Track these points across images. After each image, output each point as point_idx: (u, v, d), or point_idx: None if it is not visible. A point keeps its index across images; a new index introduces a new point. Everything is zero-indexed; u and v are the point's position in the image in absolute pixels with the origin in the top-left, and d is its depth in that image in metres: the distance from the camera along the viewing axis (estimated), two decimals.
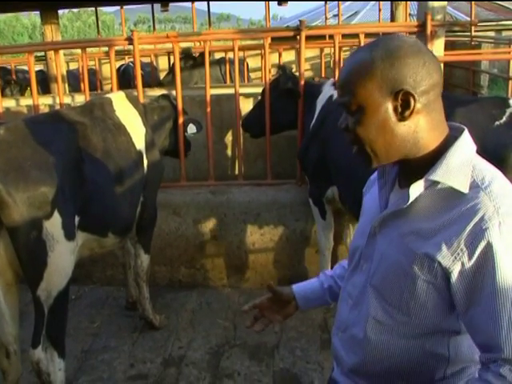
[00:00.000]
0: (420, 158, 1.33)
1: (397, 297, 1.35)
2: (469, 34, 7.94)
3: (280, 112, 4.44)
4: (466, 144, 1.33)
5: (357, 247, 1.52)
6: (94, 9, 9.80)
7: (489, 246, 1.19)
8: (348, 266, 1.58)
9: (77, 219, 2.87)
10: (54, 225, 2.65)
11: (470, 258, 1.22)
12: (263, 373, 3.37)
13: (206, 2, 9.06)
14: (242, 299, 4.26)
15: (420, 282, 1.30)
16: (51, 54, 6.42)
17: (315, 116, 3.99)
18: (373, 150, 1.33)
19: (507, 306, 1.19)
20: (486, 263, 1.20)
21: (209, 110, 4.55)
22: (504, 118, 2.96)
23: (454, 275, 1.24)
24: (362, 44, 4.41)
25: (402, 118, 1.29)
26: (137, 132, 3.54)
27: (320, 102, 4.03)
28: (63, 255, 2.73)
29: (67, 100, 5.35)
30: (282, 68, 4.65)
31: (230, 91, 4.82)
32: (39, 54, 7.85)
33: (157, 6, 8.74)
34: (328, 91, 4.01)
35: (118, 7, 9.62)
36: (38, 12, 7.43)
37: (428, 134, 1.32)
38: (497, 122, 2.95)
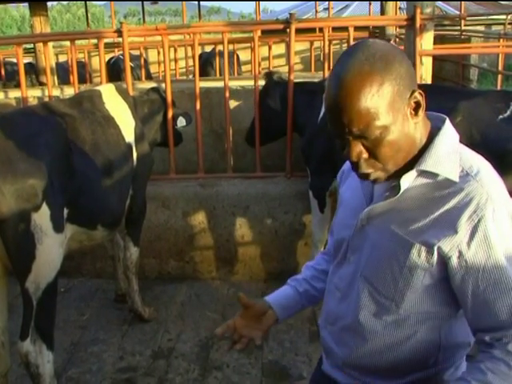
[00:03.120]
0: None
1: (391, 287, 1.36)
2: (458, 27, 7.99)
3: (274, 119, 4.41)
4: (450, 132, 1.36)
5: (342, 240, 1.52)
6: (83, 1, 9.75)
7: (486, 232, 1.23)
8: (333, 259, 1.58)
9: (65, 211, 2.86)
10: (42, 217, 2.64)
11: (468, 244, 1.25)
12: (252, 365, 3.38)
13: None
14: (231, 292, 4.28)
15: (417, 270, 1.32)
16: (40, 46, 6.37)
17: (322, 110, 3.89)
18: (392, 165, 1.30)
19: (509, 285, 1.23)
20: (484, 248, 1.24)
21: (198, 102, 4.54)
22: (508, 112, 2.95)
23: (453, 261, 1.27)
24: (351, 38, 4.41)
25: (416, 118, 1.29)
26: (126, 125, 3.53)
27: None
28: (52, 248, 2.72)
29: (56, 92, 5.32)
30: (269, 74, 4.59)
31: (220, 84, 4.81)
32: (28, 46, 7.81)
33: None
34: None
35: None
36: (26, 4, 7.37)
37: (423, 128, 1.34)
38: (500, 116, 2.94)
